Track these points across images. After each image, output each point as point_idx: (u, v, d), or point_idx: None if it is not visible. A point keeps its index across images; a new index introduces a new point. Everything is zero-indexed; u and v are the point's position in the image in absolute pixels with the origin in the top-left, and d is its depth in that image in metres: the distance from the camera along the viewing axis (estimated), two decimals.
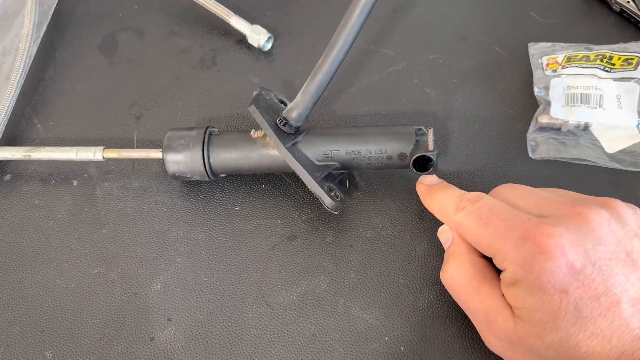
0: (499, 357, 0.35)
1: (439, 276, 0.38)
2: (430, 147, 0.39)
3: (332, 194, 0.40)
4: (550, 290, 0.30)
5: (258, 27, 0.50)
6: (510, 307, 0.32)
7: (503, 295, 0.33)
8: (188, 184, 0.45)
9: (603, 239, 0.31)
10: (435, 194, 0.38)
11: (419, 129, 0.40)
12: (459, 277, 0.35)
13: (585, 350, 0.30)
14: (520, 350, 0.32)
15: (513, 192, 0.36)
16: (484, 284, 0.34)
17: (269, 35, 0.50)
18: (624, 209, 0.33)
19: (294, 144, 0.40)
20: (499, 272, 0.34)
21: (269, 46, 0.51)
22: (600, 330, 0.30)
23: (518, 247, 0.31)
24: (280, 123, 0.40)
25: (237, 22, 0.50)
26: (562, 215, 0.32)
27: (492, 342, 0.34)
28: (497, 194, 0.37)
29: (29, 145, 0.45)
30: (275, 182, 0.44)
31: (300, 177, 0.39)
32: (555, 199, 0.34)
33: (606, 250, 0.31)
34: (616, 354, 0.29)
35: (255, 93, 0.41)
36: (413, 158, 0.39)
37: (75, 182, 0.46)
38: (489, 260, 0.35)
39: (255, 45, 0.50)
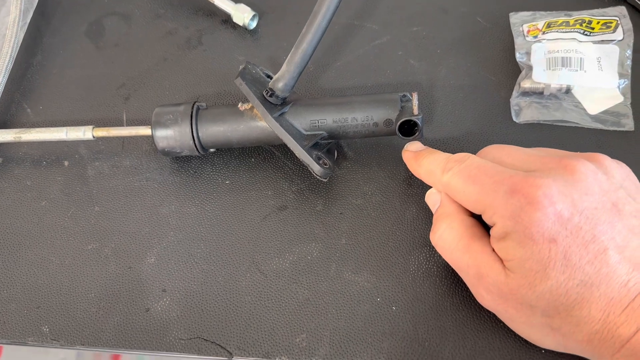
0: (489, 313, 0.36)
1: (428, 239, 0.39)
2: (415, 111, 0.39)
3: (321, 161, 0.40)
4: (539, 239, 0.31)
5: (242, 6, 0.50)
6: (501, 260, 0.33)
7: (493, 251, 0.34)
8: (178, 160, 0.45)
9: (589, 189, 0.32)
10: (422, 158, 0.39)
11: (404, 96, 0.41)
12: (449, 236, 0.36)
13: (574, 298, 0.31)
14: (512, 302, 0.33)
15: (500, 151, 0.37)
16: (474, 240, 0.35)
17: (253, 13, 0.51)
18: (609, 162, 0.34)
19: (281, 114, 0.41)
20: (487, 229, 0.35)
21: (254, 24, 0.51)
22: (589, 277, 0.30)
23: (507, 201, 0.32)
24: (267, 94, 0.40)
25: (222, 2, 0.51)
26: (549, 169, 0.33)
27: (484, 297, 0.34)
28: (484, 154, 0.37)
29: None
30: (264, 155, 0.45)
31: (289, 146, 0.40)
32: (542, 154, 0.35)
33: (593, 200, 0.32)
34: (605, 301, 0.30)
35: (241, 67, 0.42)
36: (399, 123, 0.39)
37: (66, 163, 0.46)
38: (478, 218, 0.36)
39: (240, 24, 0.51)
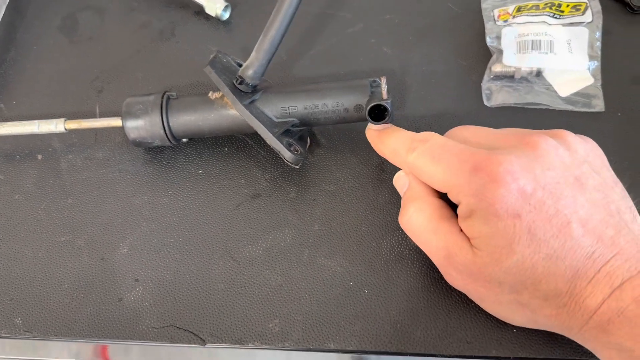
0: (460, 294, 0.36)
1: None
2: (384, 95, 0.39)
3: (292, 148, 0.40)
4: (503, 215, 0.31)
5: None
6: (468, 239, 0.33)
7: (461, 230, 0.34)
8: (151, 151, 0.45)
9: (551, 164, 0.32)
10: (386, 137, 0.39)
11: (374, 81, 0.41)
12: (417, 219, 0.36)
13: (541, 272, 0.31)
14: (481, 281, 0.33)
15: (464, 131, 0.37)
16: (442, 221, 0.35)
17: (225, 4, 0.51)
18: (572, 137, 0.34)
19: (251, 102, 0.41)
20: (455, 210, 0.35)
21: (227, 15, 0.51)
22: (554, 250, 0.30)
23: (471, 179, 0.32)
24: (237, 82, 0.40)
25: None
26: (511, 146, 0.33)
27: (453, 277, 0.35)
28: (451, 135, 0.38)
29: None
30: (237, 144, 0.45)
31: (259, 133, 0.40)
32: (505, 133, 0.35)
33: (555, 175, 0.32)
34: (571, 273, 0.30)
35: (212, 56, 0.42)
36: (368, 108, 0.39)
37: (39, 156, 0.46)
38: (446, 199, 0.36)
39: (213, 15, 0.51)
